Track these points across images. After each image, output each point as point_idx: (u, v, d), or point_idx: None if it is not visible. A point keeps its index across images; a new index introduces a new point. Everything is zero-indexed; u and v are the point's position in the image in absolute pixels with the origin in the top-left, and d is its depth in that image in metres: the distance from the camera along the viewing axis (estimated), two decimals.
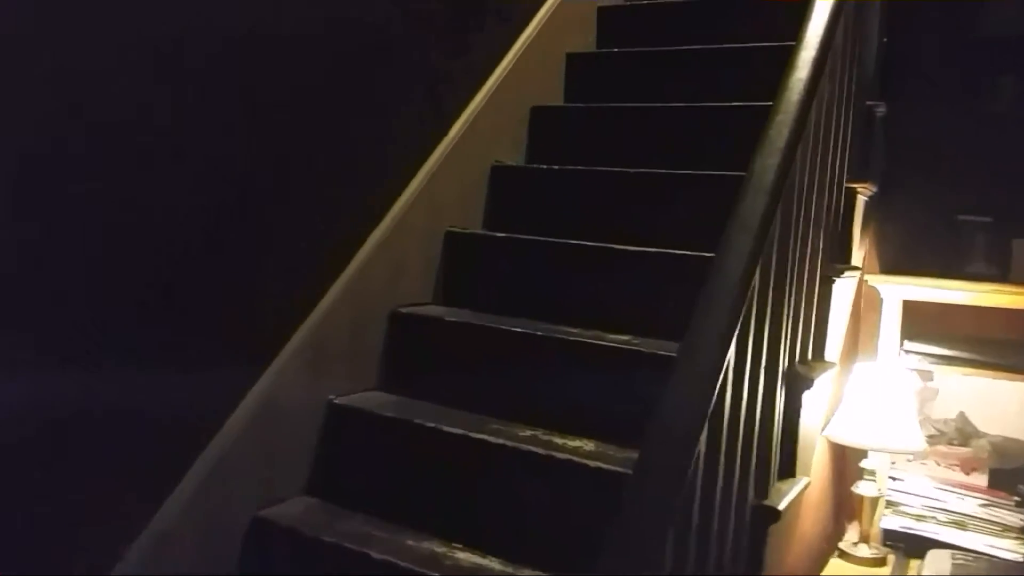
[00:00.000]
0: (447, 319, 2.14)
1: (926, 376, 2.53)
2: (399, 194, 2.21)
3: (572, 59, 2.84)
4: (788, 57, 1.64)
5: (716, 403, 1.25)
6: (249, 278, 1.85)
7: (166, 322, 1.71)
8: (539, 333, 2.00)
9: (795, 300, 1.72)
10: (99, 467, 1.58)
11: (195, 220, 1.74)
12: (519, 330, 2.02)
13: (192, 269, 1.74)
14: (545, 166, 2.53)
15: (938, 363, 2.43)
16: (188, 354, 1.74)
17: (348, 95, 2.08)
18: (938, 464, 2.44)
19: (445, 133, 2.35)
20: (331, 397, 2.01)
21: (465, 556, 1.74)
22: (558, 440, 1.84)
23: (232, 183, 1.81)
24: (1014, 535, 2.29)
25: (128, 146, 1.60)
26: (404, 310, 2.18)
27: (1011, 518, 2.31)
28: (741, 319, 1.32)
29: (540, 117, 2.68)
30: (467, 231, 2.39)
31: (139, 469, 1.65)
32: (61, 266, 1.52)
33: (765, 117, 1.55)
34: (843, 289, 2.13)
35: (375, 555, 1.71)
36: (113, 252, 1.60)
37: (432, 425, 1.89)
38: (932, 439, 2.43)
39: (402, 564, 1.68)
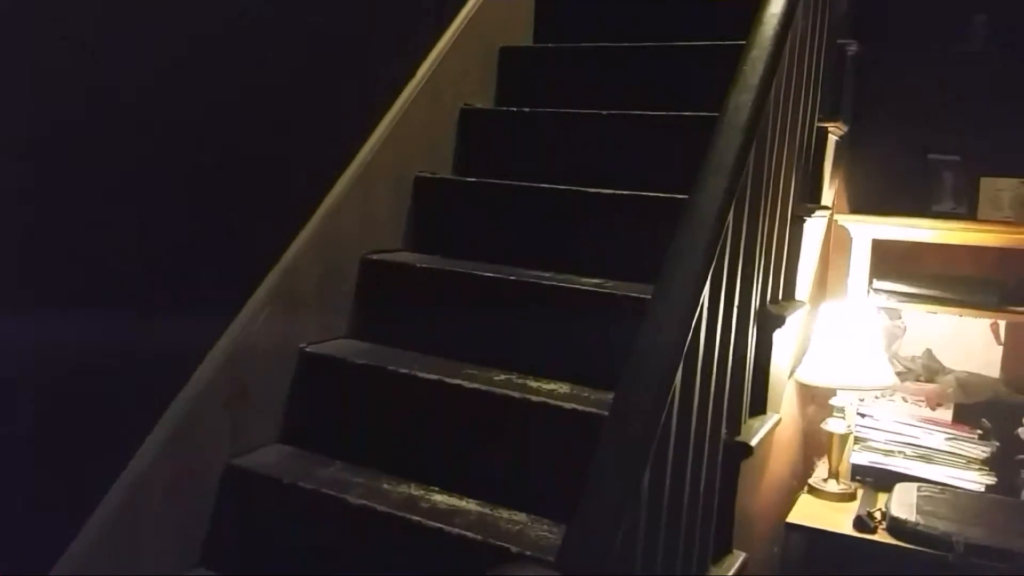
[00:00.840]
0: (418, 265, 2.12)
1: (894, 314, 2.57)
2: (367, 138, 2.16)
3: None
4: None
5: (691, 343, 1.25)
6: (215, 223, 1.81)
7: (134, 269, 1.67)
8: (511, 278, 1.99)
9: (767, 239, 1.72)
10: (67, 416, 1.56)
11: (163, 166, 1.69)
12: (491, 275, 2.01)
13: (159, 214, 1.70)
14: (515, 108, 2.49)
15: (906, 301, 2.46)
16: (155, 302, 1.70)
17: (308, 30, 2.02)
18: (905, 400, 2.48)
19: (412, 75, 2.30)
20: (302, 345, 1.99)
21: (442, 499, 1.75)
22: (533, 383, 1.84)
23: (197, 127, 1.76)
24: (977, 467, 2.35)
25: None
26: (374, 256, 2.15)
27: (975, 451, 2.37)
28: (715, 259, 1.32)
29: (509, 58, 2.63)
30: (436, 175, 2.35)
31: (108, 419, 1.63)
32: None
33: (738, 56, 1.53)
34: (813, 228, 2.14)
35: (353, 500, 1.72)
36: (87, 195, 1.56)
37: (406, 371, 1.89)
38: (900, 376, 2.47)
39: (380, 508, 1.69)
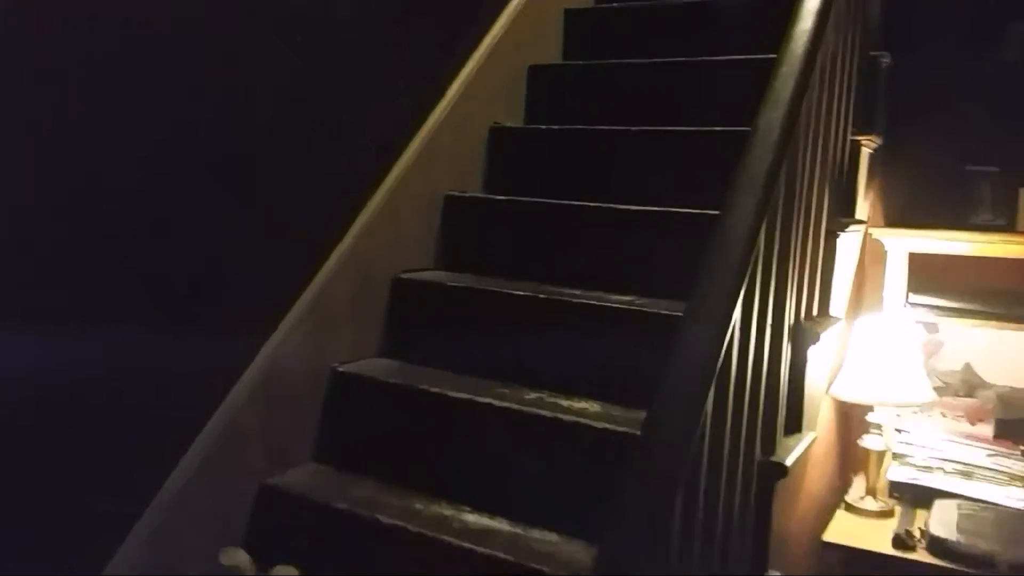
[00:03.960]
0: (449, 284, 2.12)
1: (932, 328, 2.53)
2: (397, 158, 2.18)
3: (570, 15, 2.78)
4: (792, 6, 1.60)
5: (723, 362, 1.24)
6: (251, 245, 1.84)
7: (173, 289, 1.69)
8: (541, 296, 1.99)
9: (800, 255, 1.70)
10: (106, 437, 1.58)
11: (199, 186, 1.72)
12: (521, 293, 2.01)
13: (195, 237, 1.73)
14: (544, 126, 2.49)
15: (943, 315, 2.42)
16: (192, 323, 1.72)
17: (342, 59, 2.04)
18: (944, 415, 2.44)
19: (442, 95, 2.32)
20: (335, 365, 2.01)
21: (474, 518, 1.75)
22: (564, 402, 1.83)
23: (232, 151, 1.79)
24: (1020, 483, 2.30)
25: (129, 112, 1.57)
26: (405, 276, 2.16)
27: (1016, 467, 2.32)
28: (747, 276, 1.30)
29: (538, 76, 2.64)
30: (466, 194, 2.36)
31: (146, 439, 1.65)
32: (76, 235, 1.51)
33: (769, 71, 1.52)
34: (848, 243, 2.11)
35: (384, 520, 1.72)
36: (123, 217, 1.59)
37: (437, 390, 1.89)
38: (938, 391, 2.42)
39: (411, 528, 1.69)
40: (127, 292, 1.62)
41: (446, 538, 1.66)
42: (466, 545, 1.63)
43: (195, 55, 1.68)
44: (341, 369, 2.01)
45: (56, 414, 1.51)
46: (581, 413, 1.76)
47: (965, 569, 2.05)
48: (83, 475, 1.54)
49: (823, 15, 1.59)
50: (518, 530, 1.70)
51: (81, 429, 1.55)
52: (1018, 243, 2.36)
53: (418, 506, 1.79)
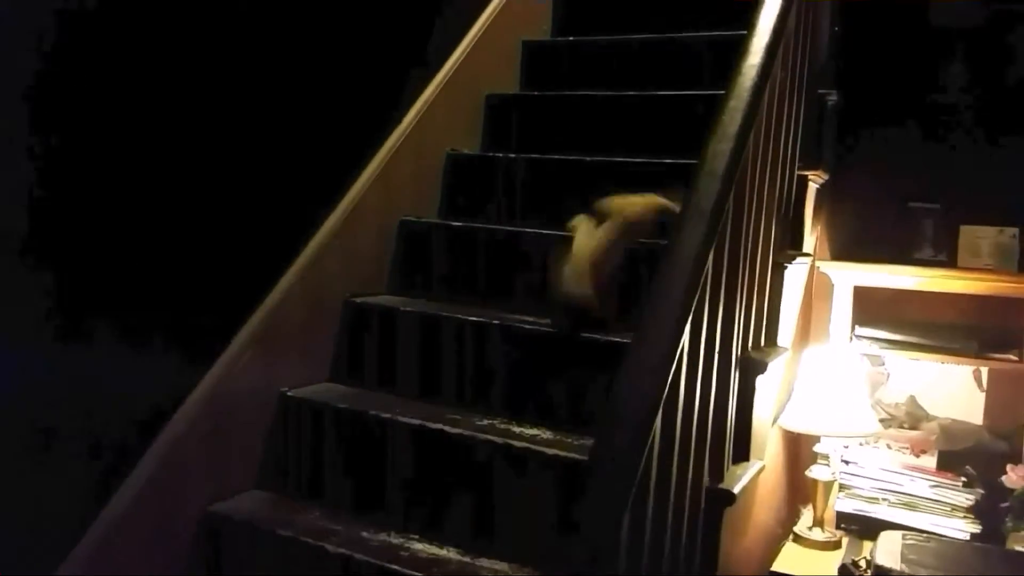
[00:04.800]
0: (402, 309, 2.12)
1: (877, 361, 2.58)
2: (353, 182, 2.18)
3: (528, 47, 2.82)
4: (741, 43, 1.64)
5: (670, 390, 1.25)
6: (198, 264, 1.81)
7: (113, 310, 1.66)
8: (495, 322, 1.99)
9: (747, 286, 1.73)
10: (45, 459, 1.54)
11: (146, 204, 1.70)
12: (475, 319, 2.01)
13: (139, 254, 1.70)
14: (501, 154, 2.51)
15: (888, 348, 2.47)
16: (134, 344, 1.69)
17: (303, 75, 2.04)
18: (889, 447, 2.48)
19: (399, 122, 2.33)
20: (284, 389, 1.98)
21: (422, 547, 1.73)
22: (516, 428, 1.83)
23: (182, 166, 1.77)
24: (961, 515, 2.34)
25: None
26: (358, 300, 2.15)
27: (959, 498, 2.36)
28: (695, 303, 1.32)
29: (495, 105, 2.66)
30: (421, 220, 2.36)
31: (86, 461, 1.60)
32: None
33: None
34: (795, 275, 2.15)
35: (331, 548, 1.69)
36: (64, 236, 1.56)
37: (388, 416, 1.87)
38: (884, 422, 2.47)
39: (358, 556, 1.67)
40: (72, 307, 1.59)
41: (395, 567, 1.63)
42: (415, 574, 1.61)
43: None
44: (291, 393, 1.98)
45: None
46: (532, 439, 1.76)
47: None
48: (14, 501, 1.50)
49: (771, 51, 1.64)
50: (466, 559, 1.69)
51: (14, 448, 1.51)
52: (959, 278, 2.43)
53: (365, 534, 1.77)
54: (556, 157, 2.40)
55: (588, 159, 2.32)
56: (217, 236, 1.85)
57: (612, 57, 2.70)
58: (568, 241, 1.93)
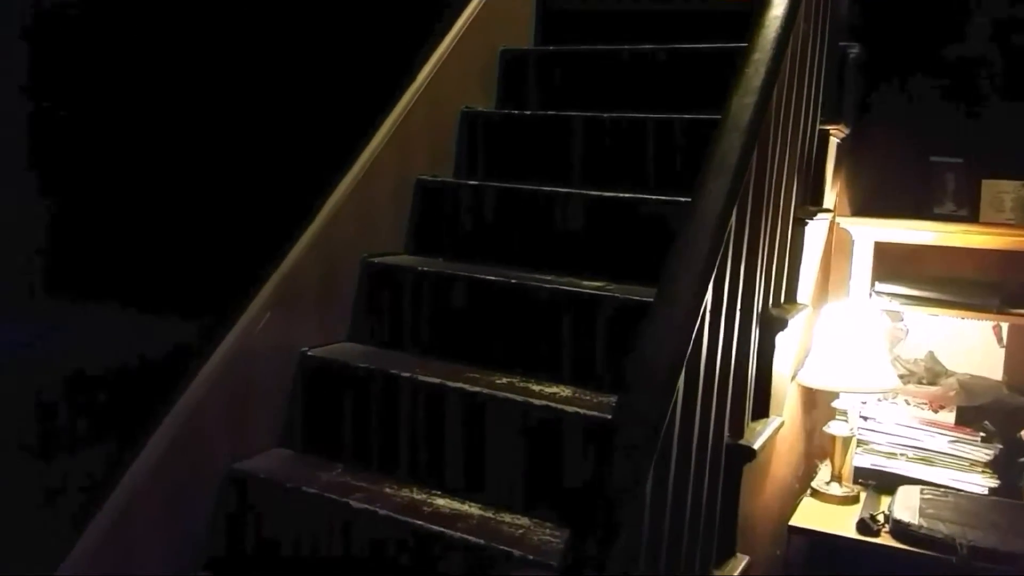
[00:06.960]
0: (420, 268, 2.11)
1: (896, 317, 2.56)
2: (368, 141, 2.16)
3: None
4: None
5: (693, 346, 1.25)
6: (217, 226, 1.81)
7: (133, 270, 1.67)
8: (513, 281, 1.98)
9: (769, 242, 1.71)
10: (68, 419, 1.55)
11: (162, 167, 1.69)
12: (492, 278, 2.00)
13: (158, 216, 1.70)
14: (516, 111, 2.48)
15: (908, 303, 2.45)
16: (156, 305, 1.70)
17: (317, 33, 2.02)
18: (908, 403, 2.47)
19: (413, 79, 2.30)
20: (303, 349, 1.99)
21: (445, 502, 1.75)
22: (535, 387, 1.83)
23: (199, 130, 1.76)
24: (980, 470, 2.34)
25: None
26: (376, 259, 2.15)
27: (977, 453, 2.36)
28: (718, 260, 1.31)
29: (510, 60, 2.62)
30: (437, 179, 2.35)
31: (108, 423, 1.62)
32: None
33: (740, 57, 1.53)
34: (815, 231, 2.13)
35: (355, 504, 1.71)
36: (83, 200, 1.55)
37: (408, 375, 1.88)
38: (902, 378, 2.46)
39: (381, 512, 1.69)
40: (91, 268, 1.60)
41: (417, 522, 1.65)
42: (437, 529, 1.63)
43: None
44: (310, 353, 1.99)
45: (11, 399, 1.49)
46: (552, 398, 1.77)
47: (927, 552, 2.08)
48: (39, 465, 1.52)
49: (794, 2, 1.60)
50: (488, 514, 1.71)
51: (38, 412, 1.52)
52: (980, 233, 2.40)
53: (388, 491, 1.79)
54: (572, 114, 2.37)
55: (605, 116, 2.29)
56: (234, 199, 1.84)
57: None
58: None
